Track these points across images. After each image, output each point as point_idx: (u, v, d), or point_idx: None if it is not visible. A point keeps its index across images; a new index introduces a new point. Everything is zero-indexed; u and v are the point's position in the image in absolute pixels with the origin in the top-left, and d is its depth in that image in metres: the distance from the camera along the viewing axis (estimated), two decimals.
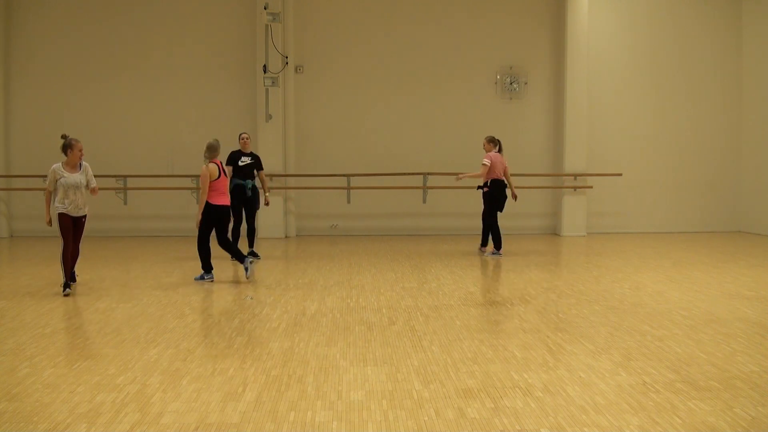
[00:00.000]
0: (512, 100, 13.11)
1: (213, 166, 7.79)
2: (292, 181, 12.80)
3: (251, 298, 6.99)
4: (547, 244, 11.83)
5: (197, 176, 11.34)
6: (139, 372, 4.54)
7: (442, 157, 12.69)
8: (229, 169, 9.10)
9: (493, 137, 10.14)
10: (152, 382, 4.32)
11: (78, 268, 7.77)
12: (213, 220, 7.85)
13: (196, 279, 7.97)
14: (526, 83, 13.07)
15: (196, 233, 7.91)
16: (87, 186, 7.35)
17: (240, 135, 9.70)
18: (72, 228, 7.27)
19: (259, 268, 9.01)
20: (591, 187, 12.82)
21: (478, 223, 10.56)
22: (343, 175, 12.55)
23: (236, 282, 7.99)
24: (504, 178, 9.98)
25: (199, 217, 7.76)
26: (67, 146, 7.25)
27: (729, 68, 13.36)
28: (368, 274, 8.53)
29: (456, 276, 8.49)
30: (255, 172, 9.62)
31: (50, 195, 7.28)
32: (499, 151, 10.02)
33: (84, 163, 7.38)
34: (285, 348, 5.13)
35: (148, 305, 6.66)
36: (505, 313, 6.35)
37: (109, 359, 4.83)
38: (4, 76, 12.64)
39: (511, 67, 13.06)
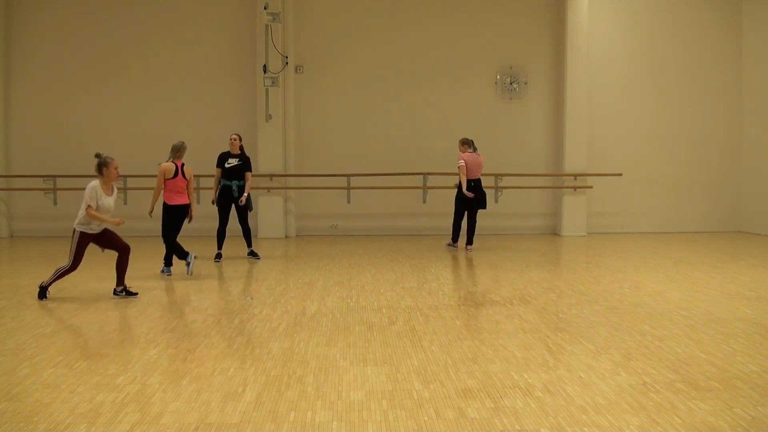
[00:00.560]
0: (512, 100, 13.10)
1: (170, 165, 8.17)
2: (292, 181, 12.79)
3: (251, 299, 7.00)
4: (547, 244, 11.83)
5: (197, 176, 11.40)
6: (139, 372, 4.54)
7: (442, 157, 12.67)
8: (218, 171, 9.44)
9: (467, 138, 10.66)
10: (152, 382, 4.32)
11: (78, 268, 7.70)
12: (173, 219, 8.18)
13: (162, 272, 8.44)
14: (526, 83, 13.07)
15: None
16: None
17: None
18: (85, 251, 6.89)
19: (259, 268, 9.01)
20: (591, 187, 12.82)
21: (477, 223, 10.66)
22: (343, 175, 12.55)
23: (236, 282, 7.99)
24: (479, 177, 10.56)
25: (150, 209, 8.28)
26: (102, 165, 6.78)
27: (729, 68, 13.36)
28: (368, 274, 8.53)
29: (456, 276, 8.49)
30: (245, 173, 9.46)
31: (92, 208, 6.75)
32: (474, 150, 10.53)
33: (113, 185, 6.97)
34: (285, 348, 5.13)
35: (148, 305, 6.66)
36: (505, 313, 6.35)
37: (109, 359, 4.83)
38: (4, 76, 12.64)
39: (511, 67, 13.06)
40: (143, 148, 12.67)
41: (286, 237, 12.64)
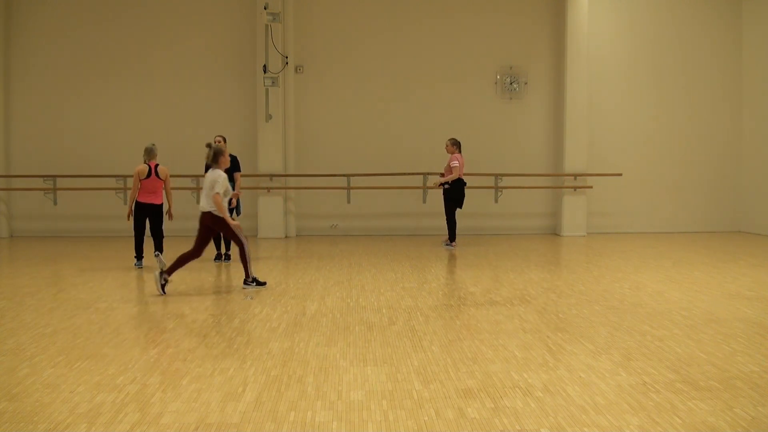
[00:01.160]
0: (512, 100, 13.10)
1: (144, 167, 8.71)
2: (292, 181, 12.79)
3: (251, 298, 7.00)
4: (547, 244, 11.83)
5: (197, 176, 11.44)
6: (139, 372, 4.54)
7: (442, 156, 12.60)
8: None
9: (456, 139, 10.98)
10: (152, 382, 4.32)
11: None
12: (140, 216, 8.75)
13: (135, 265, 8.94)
14: (526, 83, 13.07)
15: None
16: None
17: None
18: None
19: (259, 268, 9.01)
20: (591, 187, 12.82)
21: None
22: (343, 175, 12.55)
23: (236, 282, 7.99)
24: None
25: (128, 211, 8.86)
26: (218, 153, 7.17)
27: (729, 68, 13.36)
28: (368, 274, 8.53)
29: (456, 276, 8.49)
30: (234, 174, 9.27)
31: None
32: (459, 151, 10.91)
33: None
34: (285, 348, 5.13)
35: (148, 305, 6.66)
36: (505, 313, 6.34)
37: (109, 359, 4.83)
38: (4, 76, 12.64)
39: (511, 67, 13.06)
40: (143, 147, 12.65)
41: (286, 237, 12.64)
